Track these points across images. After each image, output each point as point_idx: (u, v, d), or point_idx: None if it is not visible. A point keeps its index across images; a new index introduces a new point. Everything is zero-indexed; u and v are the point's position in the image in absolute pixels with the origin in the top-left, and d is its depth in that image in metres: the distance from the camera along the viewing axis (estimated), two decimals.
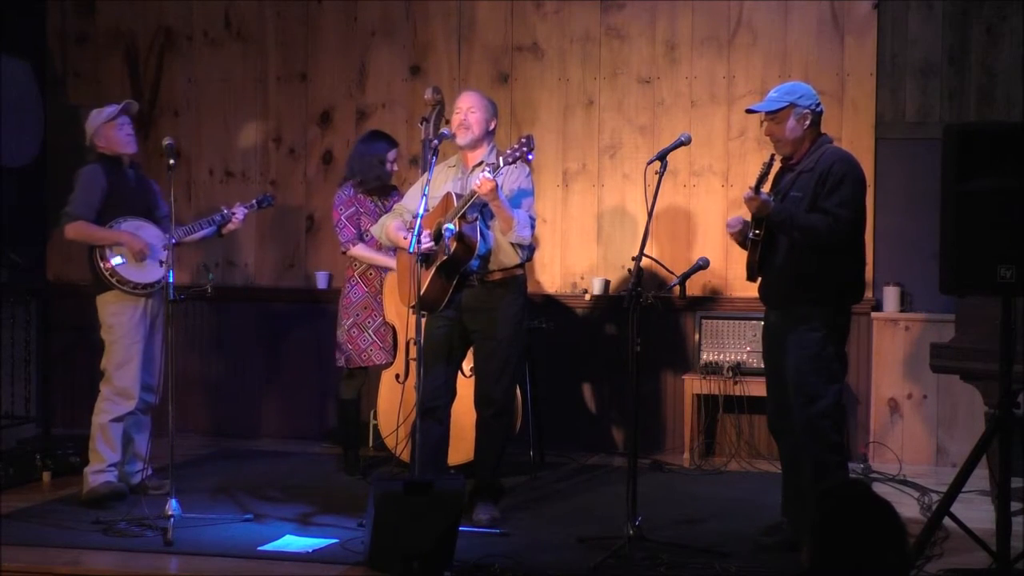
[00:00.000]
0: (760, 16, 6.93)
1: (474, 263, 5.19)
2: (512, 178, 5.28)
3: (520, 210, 5.20)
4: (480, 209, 5.16)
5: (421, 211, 5.06)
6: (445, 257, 5.08)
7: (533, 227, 5.28)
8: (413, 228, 5.03)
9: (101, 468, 5.57)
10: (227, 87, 7.53)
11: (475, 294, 5.28)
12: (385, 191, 6.30)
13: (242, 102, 7.52)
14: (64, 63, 7.70)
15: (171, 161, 5.20)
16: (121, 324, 5.60)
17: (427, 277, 5.11)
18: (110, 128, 5.65)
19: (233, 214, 5.85)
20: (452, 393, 5.38)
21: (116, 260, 5.55)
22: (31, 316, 7.34)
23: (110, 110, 5.69)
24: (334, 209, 6.26)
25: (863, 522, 2.65)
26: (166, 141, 5.31)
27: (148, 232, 5.65)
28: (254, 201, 6.01)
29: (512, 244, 5.23)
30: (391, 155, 6.27)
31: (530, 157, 5.04)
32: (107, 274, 5.54)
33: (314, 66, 7.43)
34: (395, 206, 5.64)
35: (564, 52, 7.15)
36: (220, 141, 7.55)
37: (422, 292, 5.04)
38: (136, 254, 5.55)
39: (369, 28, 7.35)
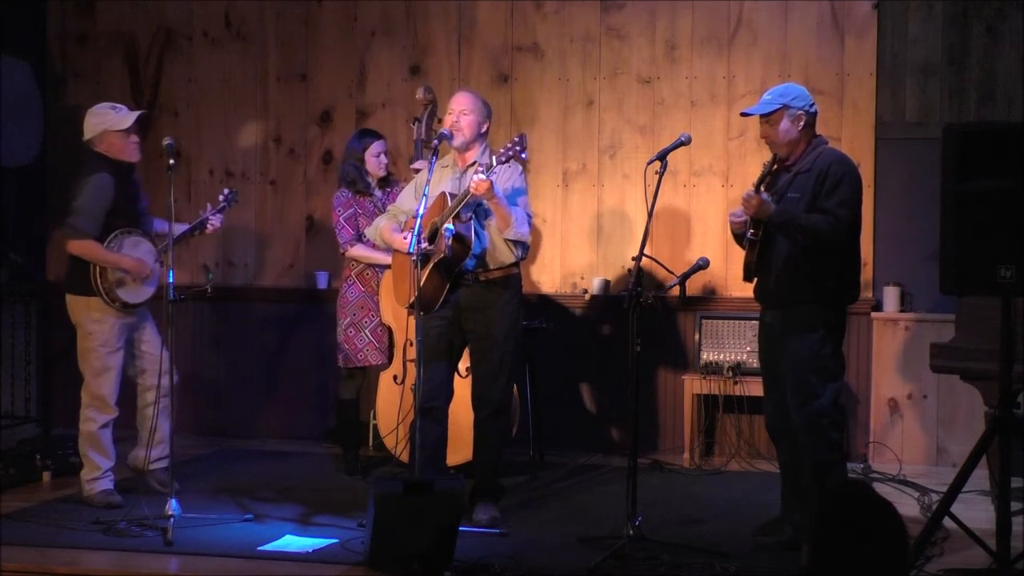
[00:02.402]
0: (760, 16, 6.93)
1: (469, 263, 5.19)
2: (505, 177, 5.28)
3: (517, 208, 5.20)
4: (474, 208, 5.16)
5: (422, 211, 5.06)
6: (442, 256, 5.08)
7: (530, 224, 5.28)
8: (413, 228, 5.02)
9: (97, 475, 5.57)
10: (227, 87, 7.53)
11: (471, 293, 5.27)
12: (384, 183, 6.29)
13: (242, 102, 7.52)
14: (64, 63, 7.70)
15: (171, 161, 5.16)
16: (102, 332, 5.54)
17: (423, 276, 5.11)
18: (120, 138, 5.53)
19: (209, 220, 5.73)
20: (450, 393, 5.38)
21: (118, 282, 5.47)
22: (31, 316, 7.33)
23: (119, 116, 5.54)
24: (333, 211, 6.26)
25: (864, 522, 2.65)
26: (166, 141, 5.27)
27: (144, 248, 5.59)
28: (222, 201, 5.79)
29: (508, 242, 5.23)
30: (375, 147, 6.23)
31: (524, 156, 5.05)
32: (103, 289, 5.47)
33: (314, 66, 7.43)
34: (389, 207, 5.64)
35: (564, 52, 7.14)
36: (220, 141, 7.55)
37: (413, 283, 5.03)
38: (143, 280, 5.54)
39: (369, 28, 7.35)
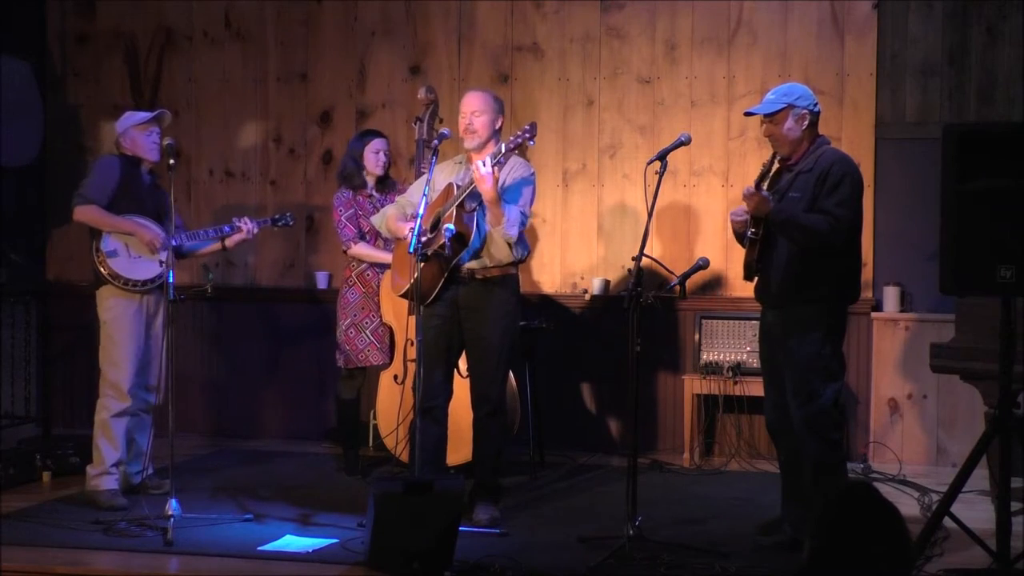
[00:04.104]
0: (760, 16, 6.93)
1: (464, 256, 5.19)
2: (515, 170, 5.29)
3: (514, 207, 5.19)
4: (479, 200, 5.16)
5: (421, 211, 5.06)
6: (439, 248, 5.08)
7: (524, 225, 5.26)
8: (414, 228, 5.03)
9: (102, 470, 5.56)
10: (227, 87, 7.54)
11: (469, 292, 5.27)
12: (383, 186, 6.29)
13: (242, 102, 7.52)
14: (64, 63, 7.70)
15: (171, 161, 5.20)
16: (116, 319, 5.59)
17: (420, 265, 5.11)
18: (139, 132, 5.65)
19: (239, 228, 5.79)
20: (449, 392, 5.37)
21: (111, 252, 5.53)
22: (31, 316, 7.35)
23: (143, 115, 5.72)
24: (334, 210, 6.26)
25: (867, 523, 2.65)
26: (166, 141, 5.33)
27: (153, 226, 5.63)
28: (268, 219, 5.98)
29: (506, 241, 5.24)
30: (376, 144, 6.23)
31: (531, 143, 5.05)
32: (101, 268, 5.54)
33: (314, 66, 7.43)
34: (398, 198, 5.63)
35: (564, 52, 7.15)
36: (220, 141, 7.55)
37: (413, 280, 5.04)
38: (147, 244, 5.55)
39: (369, 28, 7.36)
